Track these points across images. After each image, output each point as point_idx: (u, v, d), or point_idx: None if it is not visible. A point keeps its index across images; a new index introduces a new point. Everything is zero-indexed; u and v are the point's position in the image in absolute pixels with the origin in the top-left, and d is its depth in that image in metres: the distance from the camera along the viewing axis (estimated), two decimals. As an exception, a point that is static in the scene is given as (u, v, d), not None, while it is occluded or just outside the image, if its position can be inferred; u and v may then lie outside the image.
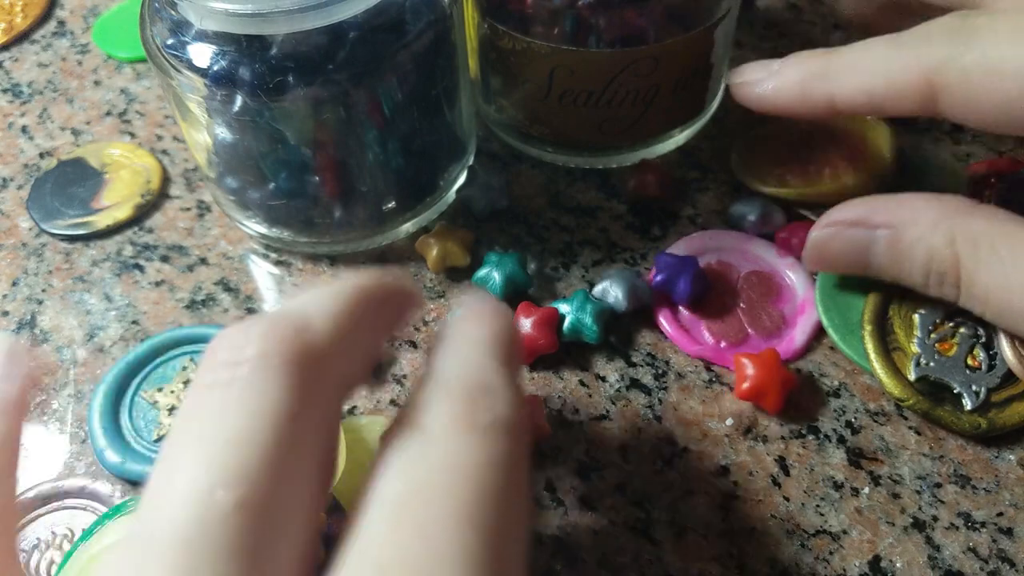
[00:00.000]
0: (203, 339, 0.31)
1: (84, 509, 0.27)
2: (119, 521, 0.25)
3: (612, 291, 0.31)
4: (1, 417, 0.21)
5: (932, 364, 0.28)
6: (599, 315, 0.30)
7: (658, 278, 0.30)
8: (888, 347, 0.29)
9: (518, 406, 0.19)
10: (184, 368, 0.31)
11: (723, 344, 0.30)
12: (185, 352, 0.31)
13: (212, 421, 0.17)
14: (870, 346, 0.29)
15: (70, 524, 0.27)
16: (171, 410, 0.29)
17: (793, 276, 0.31)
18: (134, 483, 0.28)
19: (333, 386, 0.19)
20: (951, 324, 0.29)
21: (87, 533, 0.25)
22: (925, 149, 0.35)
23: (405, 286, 0.22)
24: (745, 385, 0.28)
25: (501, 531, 0.17)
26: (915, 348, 0.29)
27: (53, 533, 0.27)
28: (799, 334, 0.30)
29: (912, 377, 0.28)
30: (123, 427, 0.29)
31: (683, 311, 0.31)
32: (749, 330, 0.30)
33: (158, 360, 0.31)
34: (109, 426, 0.29)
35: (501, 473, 0.17)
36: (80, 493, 0.28)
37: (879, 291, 0.30)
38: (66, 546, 0.26)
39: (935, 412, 0.28)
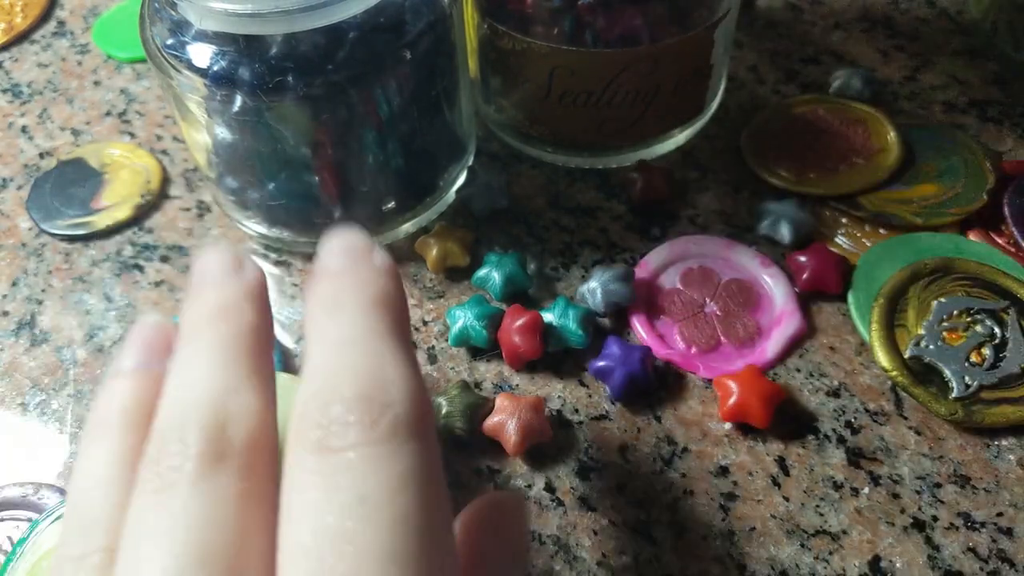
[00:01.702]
0: None
1: (27, 520, 0.27)
2: (55, 525, 0.26)
3: (590, 295, 0.31)
4: (247, 303, 0.20)
5: (931, 347, 0.29)
6: (583, 319, 0.30)
7: (598, 364, 0.29)
8: (893, 322, 0.30)
9: (417, 391, 0.17)
10: None
11: (694, 350, 0.30)
12: None
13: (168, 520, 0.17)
14: (875, 315, 0.30)
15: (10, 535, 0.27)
16: None
17: (774, 287, 0.31)
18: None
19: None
20: (968, 318, 0.29)
21: (22, 541, 0.25)
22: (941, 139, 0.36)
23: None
24: (731, 403, 0.28)
25: (427, 549, 0.16)
26: (921, 330, 0.29)
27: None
28: (773, 345, 0.30)
29: (907, 355, 0.29)
30: None
31: (659, 315, 0.31)
32: (722, 338, 0.30)
33: None
34: None
35: (415, 487, 0.16)
36: (21, 503, 0.28)
37: (907, 270, 0.30)
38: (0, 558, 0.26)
39: (915, 389, 0.28)
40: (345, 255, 0.20)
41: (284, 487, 0.17)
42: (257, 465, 0.17)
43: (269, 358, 0.20)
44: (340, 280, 0.19)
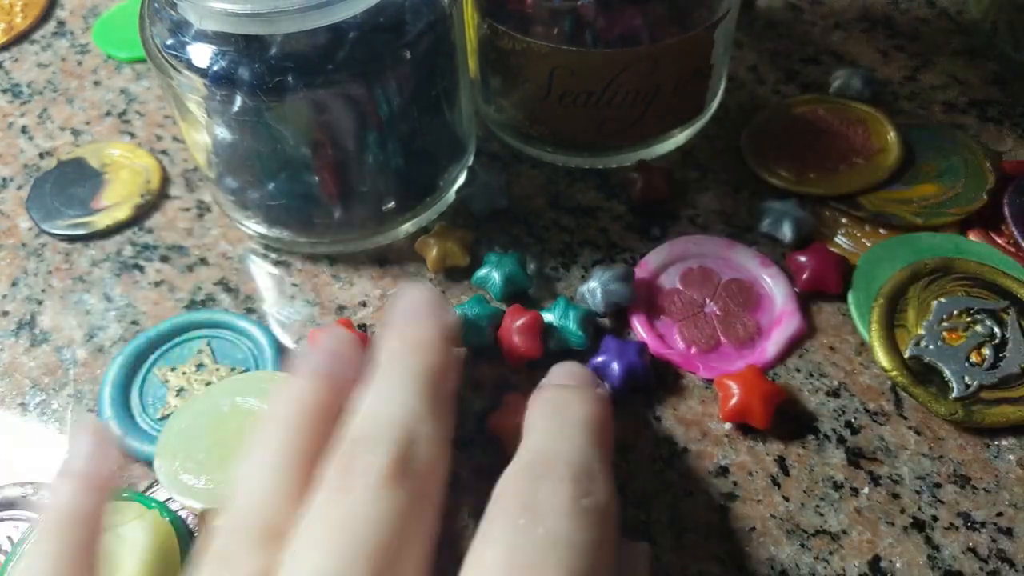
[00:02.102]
0: (226, 325, 0.31)
1: (27, 520, 0.27)
2: None
3: (590, 295, 0.31)
4: (442, 343, 0.23)
5: (931, 347, 0.29)
6: (583, 320, 0.30)
7: (596, 360, 0.29)
8: (893, 322, 0.30)
9: (613, 493, 0.21)
10: (199, 351, 0.31)
11: (693, 350, 0.30)
12: (204, 335, 0.31)
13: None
14: (875, 315, 0.30)
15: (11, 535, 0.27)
16: (179, 391, 0.30)
17: (774, 287, 0.31)
18: (132, 457, 0.28)
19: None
20: (968, 318, 0.29)
21: (22, 541, 0.25)
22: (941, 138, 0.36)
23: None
24: (731, 403, 0.28)
25: None
26: (921, 330, 0.29)
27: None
28: (772, 346, 0.30)
29: (907, 355, 0.29)
30: (132, 401, 0.29)
31: (659, 315, 0.31)
32: (722, 338, 0.30)
33: (177, 339, 0.31)
34: (118, 398, 0.29)
35: (596, 556, 0.19)
36: (22, 503, 0.27)
37: (907, 270, 0.31)
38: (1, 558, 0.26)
39: (915, 389, 0.28)
40: (574, 378, 0.24)
41: (489, 518, 0.20)
42: (429, 491, 0.20)
43: (453, 397, 0.22)
44: (566, 394, 0.23)
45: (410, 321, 0.23)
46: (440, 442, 0.21)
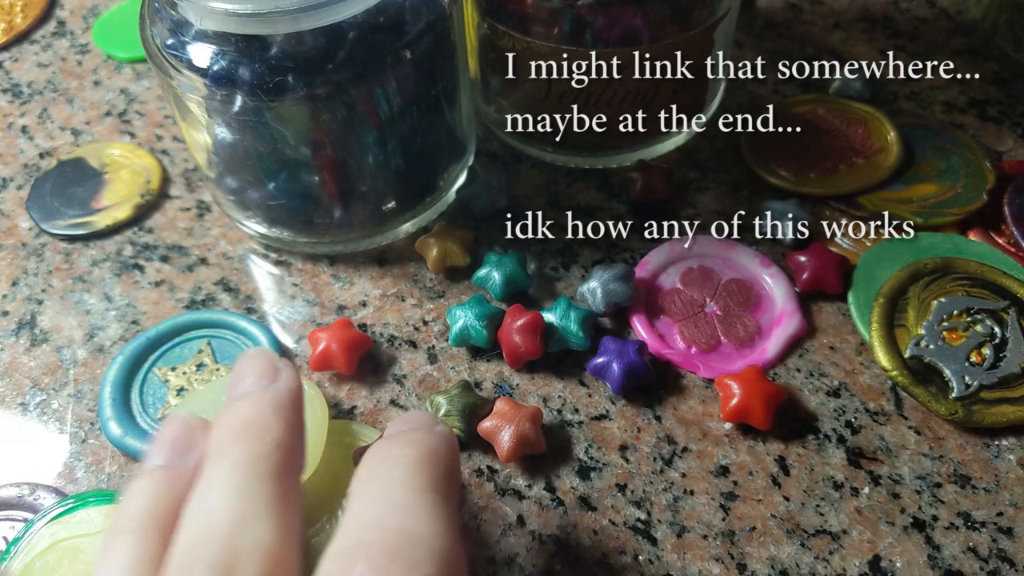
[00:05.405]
0: (226, 325, 0.31)
1: (22, 520, 0.27)
2: (49, 527, 0.26)
3: (590, 294, 0.31)
4: (275, 417, 0.20)
5: (931, 347, 0.29)
6: (584, 321, 0.30)
7: (596, 362, 0.29)
8: (893, 322, 0.30)
9: (447, 549, 0.18)
10: (200, 351, 0.31)
11: (694, 350, 0.30)
12: (204, 335, 0.31)
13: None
14: (875, 315, 0.30)
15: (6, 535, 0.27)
16: (179, 391, 0.30)
17: (774, 287, 0.31)
18: (132, 457, 0.28)
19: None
20: (968, 318, 0.29)
21: (16, 540, 0.26)
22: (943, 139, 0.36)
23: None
24: (732, 403, 0.28)
25: None
26: (921, 330, 0.29)
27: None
28: (772, 345, 0.30)
29: (907, 355, 0.29)
30: (132, 401, 0.29)
31: (659, 315, 0.31)
32: (722, 338, 0.30)
33: (177, 339, 0.31)
34: (119, 398, 0.29)
35: None
36: (17, 504, 0.28)
37: (907, 270, 0.31)
38: None
39: (915, 389, 0.28)
40: (405, 423, 0.21)
41: None
42: None
43: (293, 477, 0.19)
44: (391, 441, 0.20)
45: (238, 398, 0.20)
46: (273, 543, 0.17)
